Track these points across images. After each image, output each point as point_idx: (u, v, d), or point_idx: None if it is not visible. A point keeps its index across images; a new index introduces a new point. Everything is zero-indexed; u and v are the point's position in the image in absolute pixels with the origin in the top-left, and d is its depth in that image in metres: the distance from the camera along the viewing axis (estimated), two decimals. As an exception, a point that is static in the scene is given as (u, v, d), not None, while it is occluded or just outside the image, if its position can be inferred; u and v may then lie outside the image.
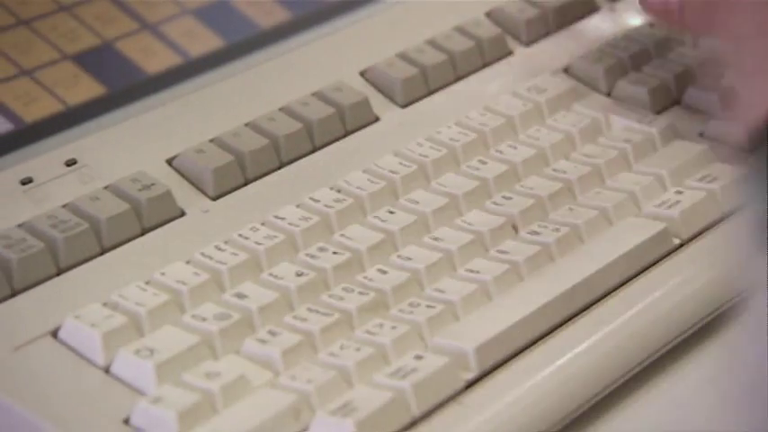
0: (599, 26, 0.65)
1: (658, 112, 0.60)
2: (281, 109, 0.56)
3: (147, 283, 0.48)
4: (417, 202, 0.53)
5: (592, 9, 0.65)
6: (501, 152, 0.56)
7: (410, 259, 0.50)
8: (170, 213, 0.51)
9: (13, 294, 0.47)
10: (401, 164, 0.55)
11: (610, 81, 0.61)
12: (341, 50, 0.60)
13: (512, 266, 0.50)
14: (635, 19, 0.65)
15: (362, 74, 0.59)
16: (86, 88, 0.57)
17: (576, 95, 0.60)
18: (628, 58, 0.62)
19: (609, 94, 0.61)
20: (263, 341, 0.46)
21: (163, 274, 0.48)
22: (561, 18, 0.64)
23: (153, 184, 0.51)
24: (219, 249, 0.49)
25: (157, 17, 0.61)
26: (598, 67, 0.61)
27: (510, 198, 0.54)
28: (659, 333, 0.50)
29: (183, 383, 0.44)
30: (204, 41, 0.61)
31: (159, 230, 0.50)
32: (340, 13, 0.63)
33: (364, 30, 0.62)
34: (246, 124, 0.55)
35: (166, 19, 0.61)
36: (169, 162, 0.53)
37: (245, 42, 0.61)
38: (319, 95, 0.57)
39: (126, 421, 0.43)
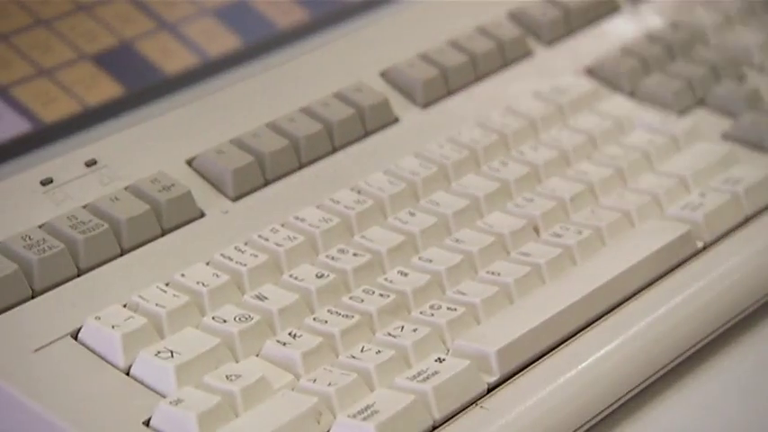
0: (621, 26, 0.64)
1: (681, 113, 0.60)
2: (301, 110, 0.56)
3: (167, 284, 0.48)
4: (438, 204, 0.53)
5: (613, 9, 0.65)
6: (522, 153, 0.56)
7: (431, 261, 0.50)
8: (190, 214, 0.51)
9: (34, 295, 0.47)
10: (421, 165, 0.54)
11: (632, 82, 0.61)
12: (361, 51, 0.60)
13: (533, 269, 0.50)
14: (657, 19, 0.65)
15: (383, 74, 0.59)
16: (105, 88, 0.57)
17: (598, 96, 0.60)
18: (651, 59, 0.62)
19: (632, 95, 0.61)
20: (283, 343, 0.46)
21: (183, 275, 0.48)
22: (583, 18, 0.64)
23: (173, 185, 0.51)
24: (239, 251, 0.49)
25: (176, 17, 0.61)
26: (620, 67, 0.61)
27: (531, 200, 0.54)
28: (682, 337, 0.50)
29: (203, 385, 0.44)
30: (223, 41, 0.60)
31: (179, 231, 0.50)
32: (360, 12, 0.63)
33: (384, 30, 0.61)
34: (266, 125, 0.55)
35: (185, 19, 0.61)
36: (189, 163, 0.53)
37: (264, 42, 0.61)
38: (339, 96, 0.57)
39: (146, 423, 0.43)
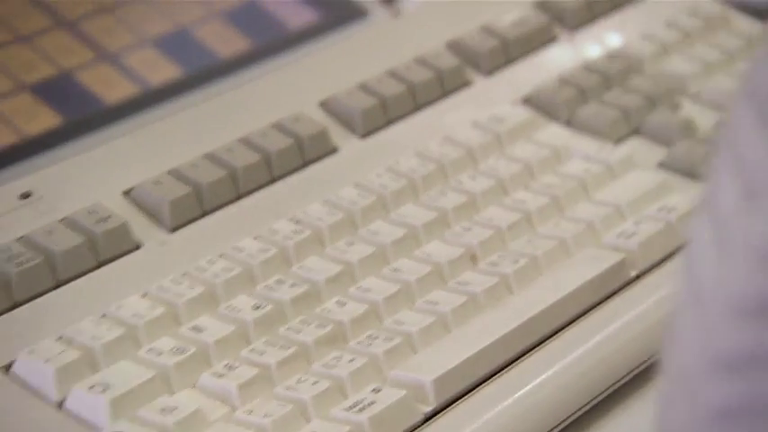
0: (558, 56, 0.65)
1: (617, 142, 0.61)
2: (239, 140, 0.56)
3: (102, 317, 0.47)
4: (376, 233, 0.53)
5: (551, 39, 0.65)
6: (460, 183, 0.56)
7: (369, 291, 0.50)
8: (126, 246, 0.51)
9: (-34, 329, 0.47)
10: (360, 195, 0.55)
11: (569, 111, 0.61)
12: (300, 81, 0.60)
13: (470, 298, 0.50)
14: (594, 49, 0.65)
15: (322, 104, 0.59)
16: (44, 119, 0.57)
17: (535, 125, 0.61)
18: (587, 88, 0.62)
19: (568, 124, 0.61)
20: (219, 375, 0.46)
21: (118, 307, 0.48)
22: (521, 48, 0.64)
23: (109, 217, 0.51)
24: (176, 282, 0.49)
25: (116, 47, 0.61)
26: (557, 96, 0.61)
27: (469, 229, 0.54)
28: (617, 364, 0.50)
29: (138, 419, 0.44)
30: (163, 71, 0.60)
31: (115, 263, 0.50)
32: (300, 43, 0.63)
33: (324, 60, 0.62)
34: (204, 155, 0.55)
35: (125, 49, 0.61)
36: (126, 194, 0.53)
37: (204, 72, 0.61)
38: (278, 126, 0.57)
39: (80, 458, 0.43)
